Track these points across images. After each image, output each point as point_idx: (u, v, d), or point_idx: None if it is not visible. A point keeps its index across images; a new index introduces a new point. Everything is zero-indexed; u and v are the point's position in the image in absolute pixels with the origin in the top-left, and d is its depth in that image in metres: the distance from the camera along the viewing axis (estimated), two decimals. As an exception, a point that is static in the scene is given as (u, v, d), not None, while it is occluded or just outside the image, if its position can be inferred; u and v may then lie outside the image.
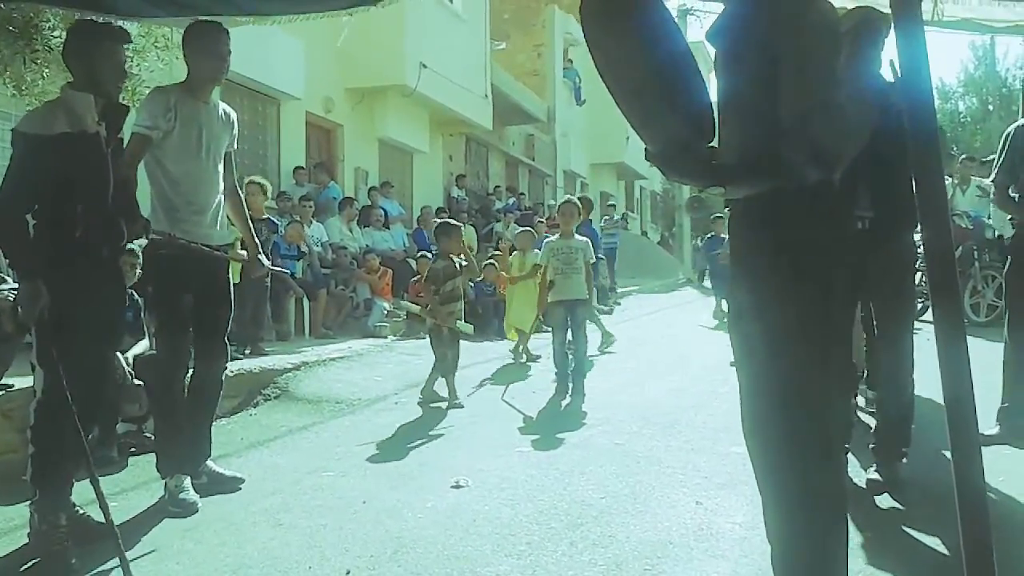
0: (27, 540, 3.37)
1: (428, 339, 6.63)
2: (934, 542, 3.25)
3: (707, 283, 22.22)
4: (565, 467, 4.39)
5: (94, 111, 3.41)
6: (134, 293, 4.99)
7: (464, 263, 6.65)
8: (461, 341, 6.61)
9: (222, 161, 4.18)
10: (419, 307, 7.90)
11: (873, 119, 2.83)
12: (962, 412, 1.88)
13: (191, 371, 4.17)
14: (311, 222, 10.43)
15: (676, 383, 6.82)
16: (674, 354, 8.71)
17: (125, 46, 3.61)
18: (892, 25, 2.08)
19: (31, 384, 4.54)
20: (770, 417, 2.25)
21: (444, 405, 6.18)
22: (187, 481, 3.98)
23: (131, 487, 4.23)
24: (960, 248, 8.92)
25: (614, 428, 5.30)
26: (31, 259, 3.26)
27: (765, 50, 2.11)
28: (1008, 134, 4.50)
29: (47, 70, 4.86)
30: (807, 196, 2.14)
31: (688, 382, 6.89)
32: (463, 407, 6.13)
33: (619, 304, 15.14)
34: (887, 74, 3.42)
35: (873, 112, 2.89)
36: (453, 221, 7.42)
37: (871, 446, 4.02)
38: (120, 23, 3.72)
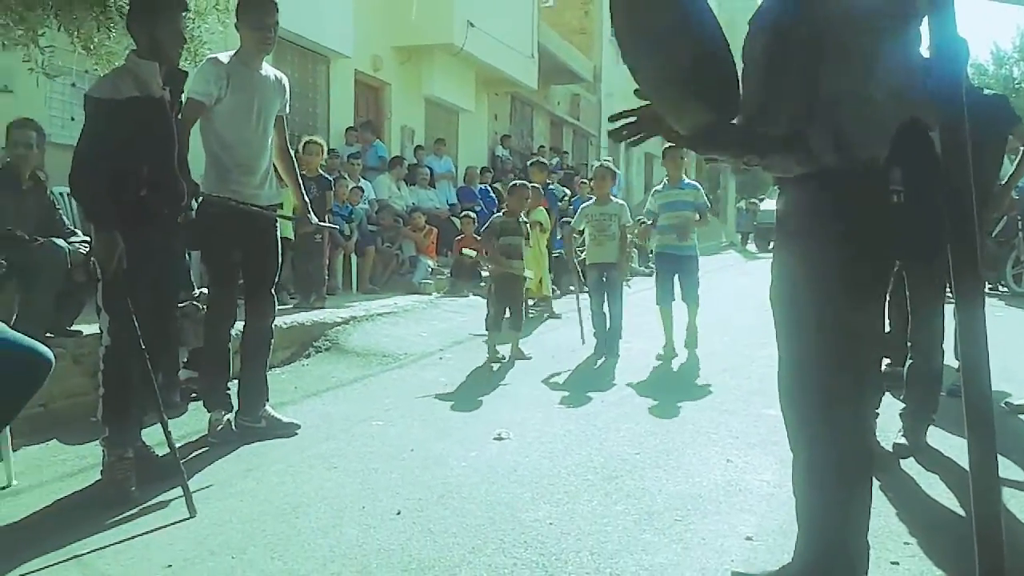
0: (100, 477, 3.65)
1: (487, 292, 6.87)
2: (954, 504, 3.40)
3: (750, 246, 22.19)
4: (601, 424, 4.59)
5: (159, 76, 3.62)
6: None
7: (523, 223, 6.88)
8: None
9: (273, 124, 4.41)
10: (475, 253, 8.15)
11: (913, 103, 2.89)
12: (978, 380, 1.97)
13: (244, 323, 4.46)
14: (359, 179, 10.66)
15: (713, 347, 6.97)
16: (712, 317, 8.80)
17: (184, 13, 3.81)
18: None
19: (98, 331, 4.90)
20: (804, 382, 2.39)
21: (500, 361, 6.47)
22: (226, 416, 4.37)
23: (193, 431, 4.50)
24: (1005, 218, 8.86)
25: (650, 388, 5.49)
26: (108, 212, 3.51)
27: (803, 37, 2.21)
28: None
29: (114, 32, 5.08)
30: (857, 170, 2.25)
31: (725, 345, 7.03)
32: (531, 358, 6.52)
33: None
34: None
35: (913, 96, 2.95)
36: (522, 181, 7.59)
37: (899, 412, 4.15)
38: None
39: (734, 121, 2.36)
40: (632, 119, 2.46)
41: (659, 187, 7.16)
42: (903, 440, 4.07)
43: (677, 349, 6.73)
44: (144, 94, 3.56)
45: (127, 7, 4.59)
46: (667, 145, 6.84)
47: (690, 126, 2.28)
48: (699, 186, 6.98)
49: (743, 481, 3.67)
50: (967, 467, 1.74)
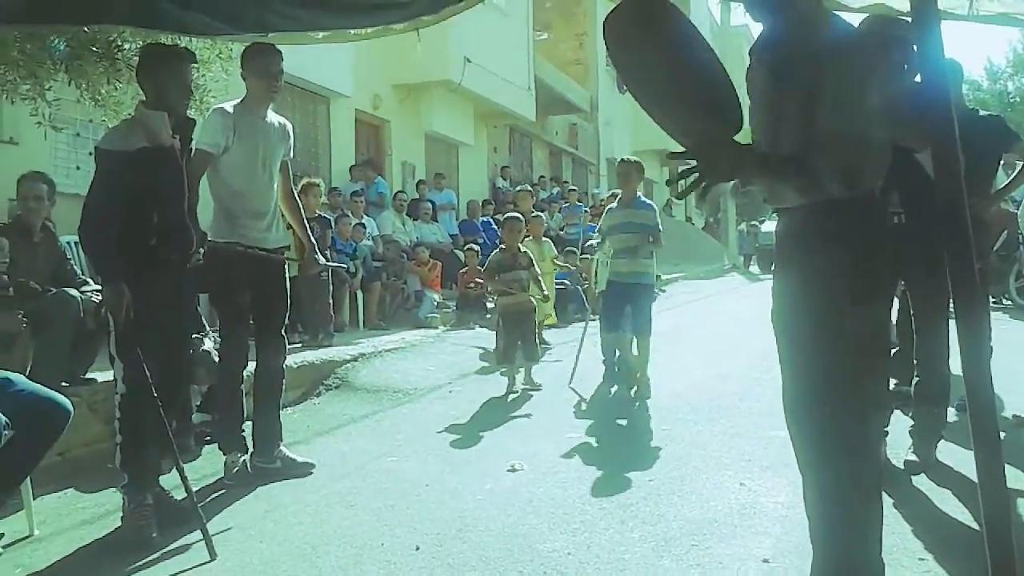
0: (120, 523, 3.68)
1: (496, 326, 6.86)
2: (967, 519, 3.42)
3: (753, 268, 22.25)
4: (613, 451, 4.62)
5: (168, 126, 3.71)
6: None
7: (523, 252, 6.90)
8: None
9: (278, 169, 4.50)
10: (478, 290, 8.13)
11: (907, 129, 2.95)
12: (980, 393, 2.01)
13: (255, 364, 4.51)
14: (363, 216, 10.76)
15: (721, 369, 7.00)
16: (719, 341, 8.87)
17: (191, 65, 3.91)
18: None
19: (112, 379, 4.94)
20: (810, 403, 2.41)
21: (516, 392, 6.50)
22: (241, 458, 4.41)
23: (209, 474, 4.53)
24: (1005, 232, 8.91)
25: (660, 414, 5.52)
26: (115, 266, 3.58)
27: (799, 74, 2.28)
28: None
29: (121, 83, 5.19)
30: (855, 196, 2.31)
31: (733, 368, 7.06)
32: (540, 387, 6.55)
33: (664, 291, 15.25)
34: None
35: (907, 122, 3.02)
36: (515, 214, 7.36)
37: (909, 429, 4.18)
38: (185, 44, 4.02)
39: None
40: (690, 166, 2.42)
41: (612, 206, 6.53)
42: (914, 457, 4.10)
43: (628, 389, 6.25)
44: (154, 144, 3.64)
45: (135, 59, 4.72)
46: (623, 157, 6.66)
47: (695, 137, 2.34)
48: (655, 207, 6.40)
49: (757, 504, 3.70)
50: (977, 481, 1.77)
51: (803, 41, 2.32)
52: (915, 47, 2.34)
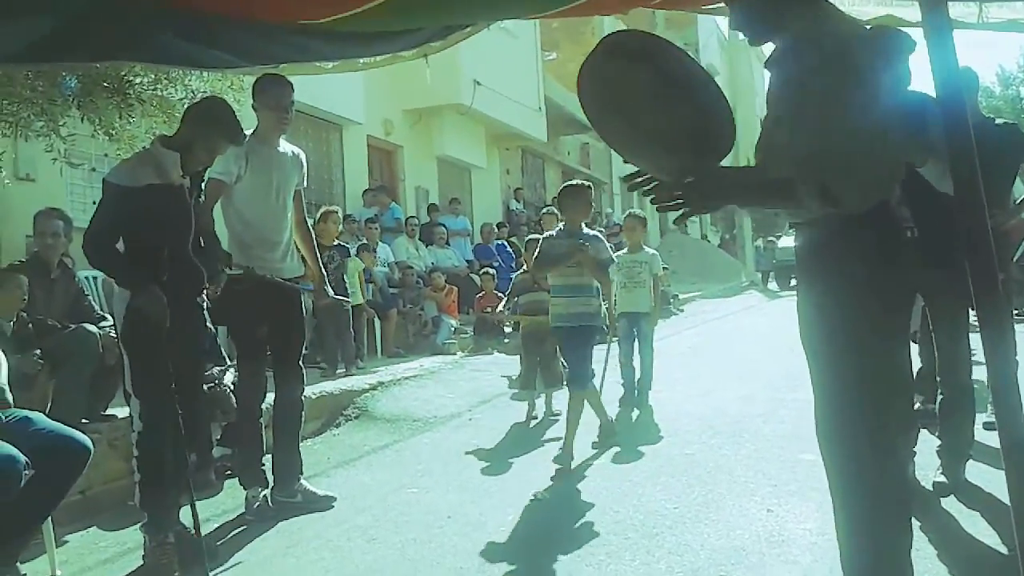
0: (142, 562, 3.65)
1: (520, 352, 6.82)
2: (996, 542, 3.34)
3: (772, 285, 22.13)
4: (637, 478, 4.56)
5: (179, 167, 3.68)
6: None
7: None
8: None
9: (292, 199, 4.49)
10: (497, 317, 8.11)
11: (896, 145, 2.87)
12: (1009, 407, 1.96)
13: (274, 396, 4.49)
14: (378, 243, 10.77)
15: (743, 391, 6.92)
16: (740, 361, 8.79)
17: (233, 143, 3.87)
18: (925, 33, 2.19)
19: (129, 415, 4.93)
20: (833, 424, 2.38)
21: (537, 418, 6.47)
22: (262, 492, 4.37)
23: (230, 508, 4.50)
24: (1024, 240, 8.78)
25: (683, 438, 5.45)
26: (136, 272, 3.56)
27: (787, 92, 2.29)
28: None
29: (134, 117, 5.21)
30: (870, 212, 2.27)
31: (755, 390, 6.98)
32: (559, 413, 6.40)
33: (682, 310, 15.18)
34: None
35: (908, 134, 2.96)
36: (537, 236, 7.39)
37: (936, 449, 4.10)
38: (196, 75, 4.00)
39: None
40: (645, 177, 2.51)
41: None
42: (942, 478, 4.02)
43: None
44: (164, 181, 3.62)
45: (146, 93, 4.75)
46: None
47: (674, 173, 2.34)
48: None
49: (785, 531, 3.63)
50: (1008, 502, 1.72)
51: (797, 58, 2.31)
52: (910, 58, 2.31)
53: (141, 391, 3.60)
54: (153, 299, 3.49)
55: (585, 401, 5.15)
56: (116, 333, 3.76)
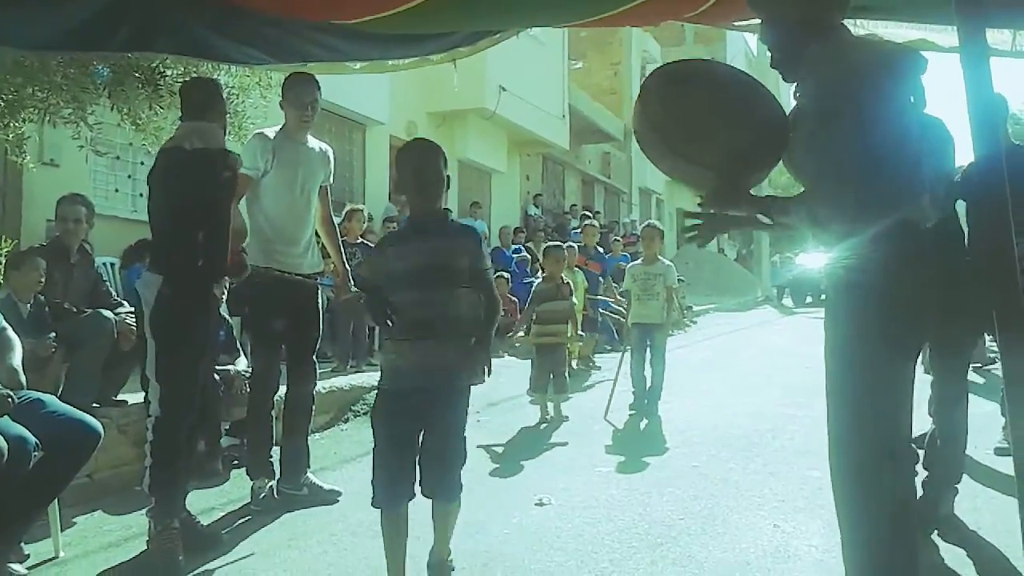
0: (146, 547, 3.66)
1: (531, 358, 6.89)
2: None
3: (786, 301, 22.04)
4: (644, 488, 4.54)
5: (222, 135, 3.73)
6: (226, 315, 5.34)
7: (564, 283, 6.96)
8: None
9: (317, 195, 4.51)
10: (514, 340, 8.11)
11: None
12: None
13: (286, 390, 4.50)
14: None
15: (754, 405, 6.89)
16: (751, 375, 8.75)
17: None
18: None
19: (143, 401, 4.95)
20: (842, 443, 2.38)
21: (547, 422, 6.49)
22: (269, 484, 4.38)
23: (236, 498, 4.52)
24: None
25: (692, 450, 5.43)
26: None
27: (797, 112, 2.38)
28: None
29: (162, 109, 5.25)
30: (896, 235, 2.26)
31: (765, 404, 6.95)
32: (567, 418, 6.49)
33: (695, 323, 15.14)
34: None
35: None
36: (557, 243, 7.68)
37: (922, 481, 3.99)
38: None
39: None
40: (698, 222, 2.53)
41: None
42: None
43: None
44: (212, 146, 3.63)
45: (176, 84, 4.79)
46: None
47: (705, 190, 2.45)
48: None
49: (791, 546, 3.60)
50: (991, 541, 1.70)
51: (802, 85, 2.40)
52: (922, 78, 2.31)
53: (164, 377, 3.60)
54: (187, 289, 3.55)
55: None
56: (140, 318, 3.74)
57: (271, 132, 4.39)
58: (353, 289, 5.12)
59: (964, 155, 3.31)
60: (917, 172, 2.26)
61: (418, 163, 3.04)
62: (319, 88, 4.40)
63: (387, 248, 3.16)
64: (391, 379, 3.14)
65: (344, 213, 8.25)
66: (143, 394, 4.92)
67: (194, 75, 5.09)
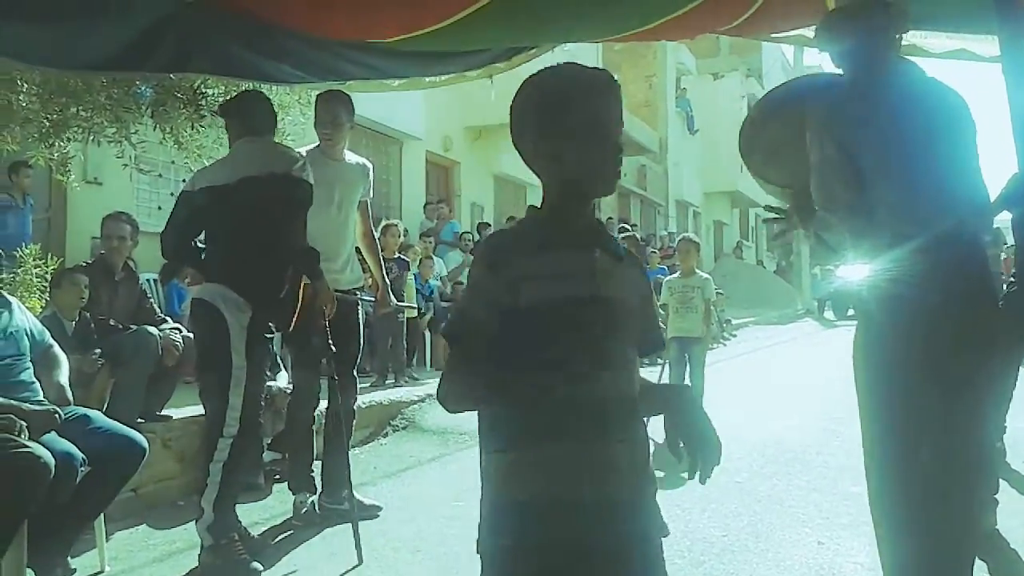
0: (197, 563, 3.68)
1: None
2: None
3: (828, 314, 21.75)
4: (686, 504, 4.49)
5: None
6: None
7: None
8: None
9: (356, 210, 4.53)
10: None
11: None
12: None
13: (327, 404, 4.53)
14: (431, 257, 10.86)
15: (796, 420, 6.80)
16: (793, 389, 8.65)
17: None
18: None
19: (189, 415, 5.01)
20: (870, 467, 2.36)
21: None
22: (310, 498, 4.40)
23: (277, 513, 4.55)
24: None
25: (735, 466, 5.36)
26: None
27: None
28: None
29: (203, 128, 5.33)
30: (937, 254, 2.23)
31: (808, 420, 6.86)
32: None
33: (734, 336, 15.00)
34: None
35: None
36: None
37: None
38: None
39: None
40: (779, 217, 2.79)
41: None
42: None
43: None
44: (263, 173, 3.80)
45: (217, 104, 4.87)
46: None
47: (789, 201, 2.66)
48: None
49: (836, 564, 3.55)
50: None
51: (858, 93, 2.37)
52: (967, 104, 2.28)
53: (248, 399, 3.66)
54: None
55: None
56: (218, 338, 3.71)
57: (305, 151, 4.43)
58: (395, 303, 5.14)
59: (1000, 163, 3.24)
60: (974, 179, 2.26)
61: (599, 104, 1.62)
62: (346, 106, 4.40)
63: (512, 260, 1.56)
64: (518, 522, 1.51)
65: (380, 228, 8.30)
66: (187, 408, 5.02)
67: (235, 93, 5.20)
